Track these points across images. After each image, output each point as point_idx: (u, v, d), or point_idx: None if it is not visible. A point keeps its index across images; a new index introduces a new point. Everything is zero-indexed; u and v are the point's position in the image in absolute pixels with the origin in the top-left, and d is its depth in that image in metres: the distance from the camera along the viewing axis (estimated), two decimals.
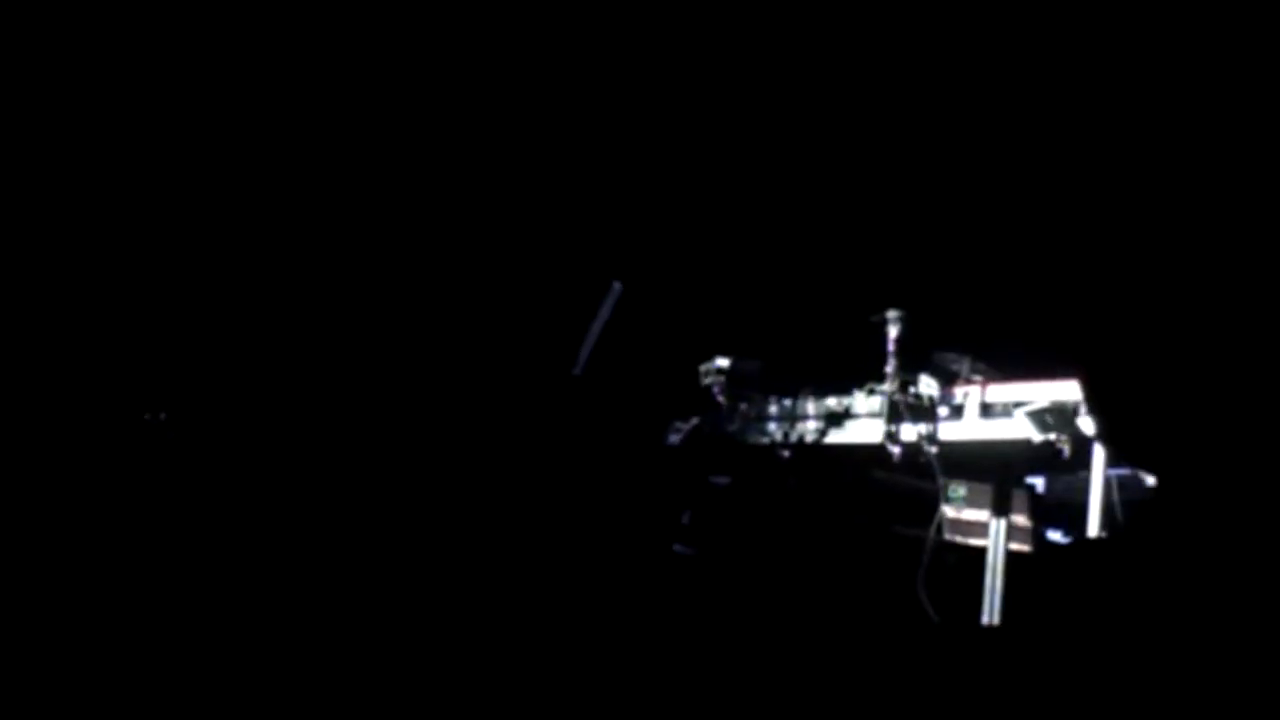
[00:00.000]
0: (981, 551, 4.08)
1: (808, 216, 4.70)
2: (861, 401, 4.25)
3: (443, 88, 4.62)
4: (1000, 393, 4.02)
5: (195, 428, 4.32)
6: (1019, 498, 4.07)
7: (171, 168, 4.45)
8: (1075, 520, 3.90)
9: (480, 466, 4.46)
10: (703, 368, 4.34)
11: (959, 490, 4.13)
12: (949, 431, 4.06)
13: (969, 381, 4.10)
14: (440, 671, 4.06)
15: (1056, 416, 3.83)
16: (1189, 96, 3.84)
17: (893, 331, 4.07)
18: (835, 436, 4.30)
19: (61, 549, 4.04)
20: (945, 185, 4.56)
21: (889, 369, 4.11)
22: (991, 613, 3.99)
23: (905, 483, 4.28)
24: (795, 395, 4.38)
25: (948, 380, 4.09)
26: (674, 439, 4.38)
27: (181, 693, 3.85)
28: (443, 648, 4.12)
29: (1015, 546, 4.03)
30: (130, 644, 3.94)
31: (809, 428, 4.34)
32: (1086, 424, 3.77)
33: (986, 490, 4.10)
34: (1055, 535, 4.08)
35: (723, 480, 4.49)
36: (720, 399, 4.36)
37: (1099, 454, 3.77)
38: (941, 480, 4.10)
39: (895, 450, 4.11)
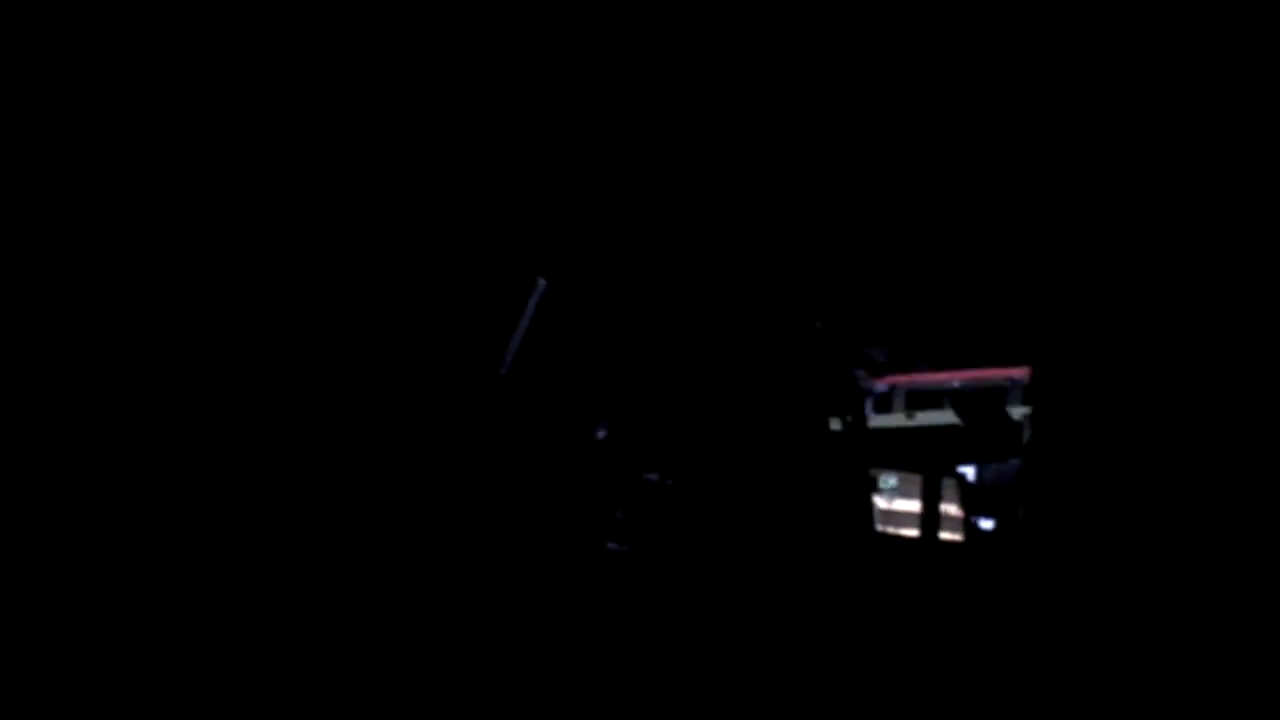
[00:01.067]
0: (914, 541, 4.09)
1: (734, 213, 4.66)
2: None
3: (367, 84, 4.53)
4: (927, 382, 4.02)
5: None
6: (949, 487, 4.08)
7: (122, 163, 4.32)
8: (1006, 508, 3.92)
9: (408, 469, 4.39)
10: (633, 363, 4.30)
11: (889, 481, 4.13)
12: (877, 422, 4.06)
13: (895, 372, 4.10)
14: (373, 673, 4.00)
15: (984, 405, 3.84)
16: (1115, 81, 3.85)
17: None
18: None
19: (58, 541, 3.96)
20: (867, 178, 4.54)
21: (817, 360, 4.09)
22: (923, 602, 3.99)
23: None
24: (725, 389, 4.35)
25: (874, 371, 4.09)
26: (602, 434, 4.34)
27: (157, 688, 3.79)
28: (376, 650, 4.06)
29: (946, 536, 4.04)
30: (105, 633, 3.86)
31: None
32: (1015, 412, 3.79)
33: (917, 480, 4.10)
34: (986, 524, 4.09)
35: (654, 477, 4.45)
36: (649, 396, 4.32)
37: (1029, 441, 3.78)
38: (871, 471, 4.10)
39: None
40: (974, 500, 4.07)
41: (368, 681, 3.99)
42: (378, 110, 4.54)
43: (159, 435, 4.16)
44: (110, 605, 3.92)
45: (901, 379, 4.03)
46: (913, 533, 4.09)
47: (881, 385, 4.05)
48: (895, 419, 4.07)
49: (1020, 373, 3.81)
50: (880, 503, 4.14)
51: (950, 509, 4.06)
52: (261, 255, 4.44)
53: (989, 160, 4.01)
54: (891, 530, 4.17)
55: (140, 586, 3.99)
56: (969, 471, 4.12)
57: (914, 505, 4.10)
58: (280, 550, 4.13)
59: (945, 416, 3.92)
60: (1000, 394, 3.85)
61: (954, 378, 3.93)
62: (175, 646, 3.91)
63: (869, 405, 4.04)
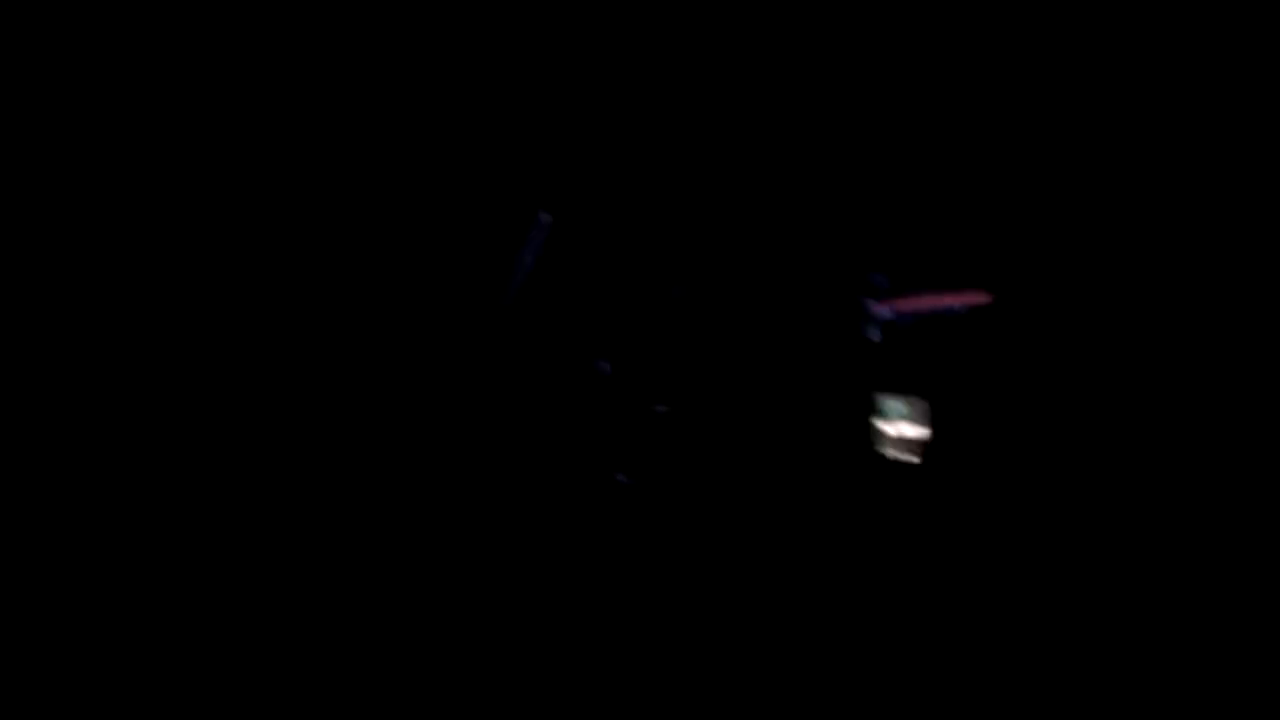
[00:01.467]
0: (918, 469, 4.08)
1: (731, 144, 4.62)
2: None
3: (367, 37, 4.50)
4: (928, 306, 3.99)
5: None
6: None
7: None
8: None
9: (414, 404, 4.41)
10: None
11: (895, 406, 4.11)
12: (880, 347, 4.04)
13: (896, 296, 4.07)
14: (376, 620, 4.04)
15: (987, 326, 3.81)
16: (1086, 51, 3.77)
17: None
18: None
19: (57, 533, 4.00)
20: (865, 107, 4.48)
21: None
22: (928, 531, 4.00)
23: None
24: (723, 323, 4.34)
25: (876, 296, 4.06)
26: (605, 368, 4.33)
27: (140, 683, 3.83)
28: (376, 592, 4.09)
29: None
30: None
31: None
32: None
33: (924, 404, 4.08)
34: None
35: (663, 409, 4.45)
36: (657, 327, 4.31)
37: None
38: (878, 397, 4.08)
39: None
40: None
41: (376, 607, 4.03)
42: (379, 45, 4.52)
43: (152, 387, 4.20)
44: (111, 602, 3.96)
45: (903, 303, 4.00)
46: (917, 460, 4.08)
47: (884, 310, 4.02)
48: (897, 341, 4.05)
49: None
50: (888, 429, 4.12)
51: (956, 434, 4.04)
52: (266, 190, 4.45)
53: (989, 87, 3.96)
54: (897, 456, 4.16)
55: (141, 575, 4.03)
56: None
57: (922, 431, 4.08)
58: (289, 475, 4.17)
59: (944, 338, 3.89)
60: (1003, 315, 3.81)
61: (955, 300, 3.90)
62: (177, 636, 3.96)
63: (873, 330, 4.01)
